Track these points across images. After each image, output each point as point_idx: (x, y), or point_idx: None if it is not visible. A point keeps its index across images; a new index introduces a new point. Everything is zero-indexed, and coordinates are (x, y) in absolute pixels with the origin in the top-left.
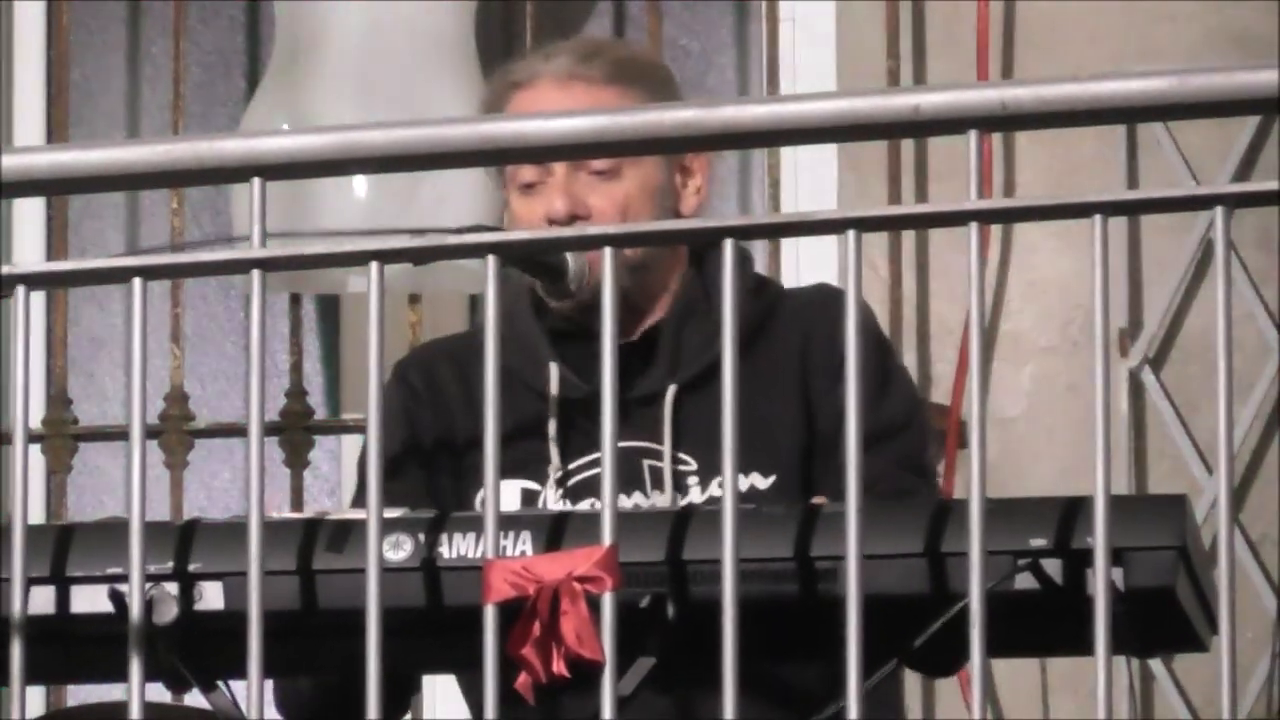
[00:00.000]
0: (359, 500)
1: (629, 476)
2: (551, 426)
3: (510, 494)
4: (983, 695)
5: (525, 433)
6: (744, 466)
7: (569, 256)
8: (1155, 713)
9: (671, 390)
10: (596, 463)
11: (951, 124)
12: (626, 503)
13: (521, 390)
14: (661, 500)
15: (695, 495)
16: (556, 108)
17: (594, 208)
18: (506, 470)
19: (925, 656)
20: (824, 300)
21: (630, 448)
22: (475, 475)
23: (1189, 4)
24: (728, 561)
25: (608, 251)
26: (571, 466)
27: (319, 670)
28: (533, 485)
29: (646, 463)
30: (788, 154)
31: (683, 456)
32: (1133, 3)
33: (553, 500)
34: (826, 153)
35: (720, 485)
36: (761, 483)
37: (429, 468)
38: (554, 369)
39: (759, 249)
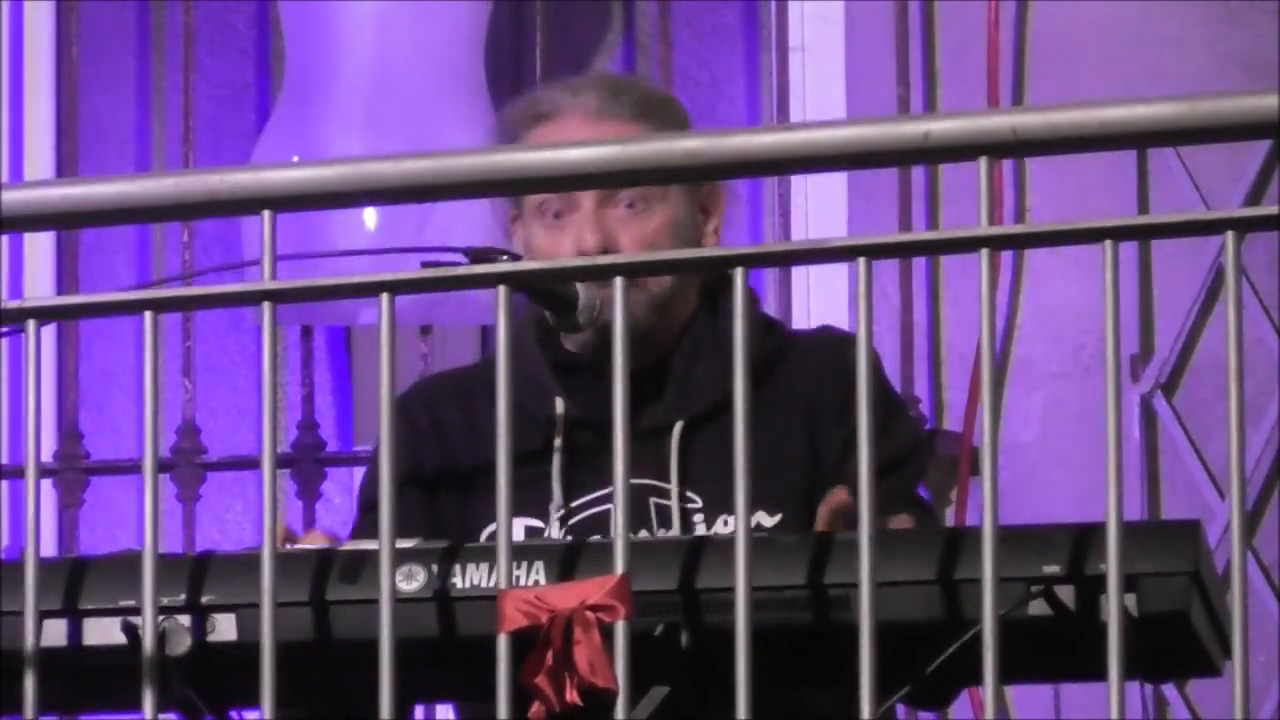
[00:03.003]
0: (360, 531)
1: (635, 514)
2: (555, 463)
3: (515, 532)
4: None
5: (530, 468)
6: (751, 503)
7: (580, 288)
8: None
9: (678, 426)
10: (600, 500)
11: (962, 150)
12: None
13: (526, 423)
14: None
15: (701, 533)
16: None
17: (622, 244)
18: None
19: (921, 689)
20: (830, 344)
21: (636, 485)
22: (480, 510)
23: (1199, 30)
24: (741, 589)
25: (619, 281)
26: (575, 504)
27: (333, 701)
28: (536, 523)
29: (653, 500)
30: (798, 182)
31: (689, 494)
32: (1143, 29)
33: (557, 538)
34: (837, 181)
35: (726, 522)
36: (767, 520)
37: (432, 502)
38: (559, 403)
39: (771, 278)
